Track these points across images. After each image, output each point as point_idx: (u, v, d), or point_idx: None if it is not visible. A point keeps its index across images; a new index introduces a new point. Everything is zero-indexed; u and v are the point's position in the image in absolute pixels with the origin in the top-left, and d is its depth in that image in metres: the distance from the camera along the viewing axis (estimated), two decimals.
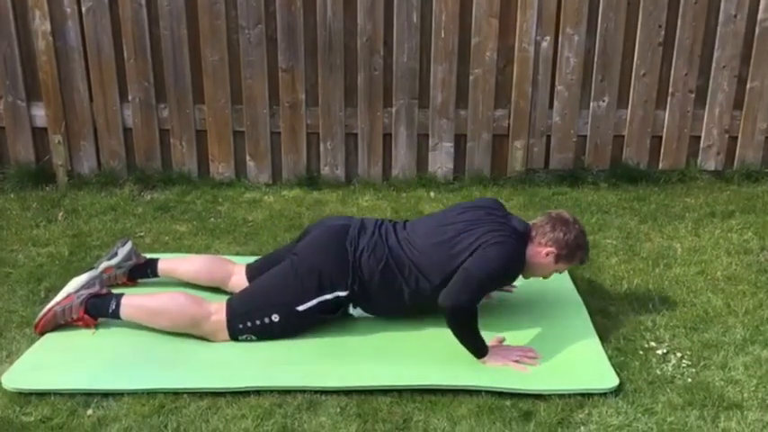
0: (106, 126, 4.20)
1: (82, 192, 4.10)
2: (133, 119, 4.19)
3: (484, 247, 2.53)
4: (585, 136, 4.30)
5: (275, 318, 2.57)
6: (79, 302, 2.63)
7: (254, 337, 2.60)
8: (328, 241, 2.67)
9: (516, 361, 2.51)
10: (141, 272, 2.92)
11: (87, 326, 2.64)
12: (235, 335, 2.58)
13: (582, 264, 2.79)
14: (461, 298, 2.47)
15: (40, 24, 4.02)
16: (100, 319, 2.66)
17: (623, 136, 4.31)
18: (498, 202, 2.83)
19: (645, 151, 4.33)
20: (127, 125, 4.21)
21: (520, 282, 2.81)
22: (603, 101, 4.24)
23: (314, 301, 2.59)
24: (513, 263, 2.61)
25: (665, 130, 4.30)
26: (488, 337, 2.59)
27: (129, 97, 4.16)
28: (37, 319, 2.65)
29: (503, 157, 4.33)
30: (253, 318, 2.58)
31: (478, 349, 2.52)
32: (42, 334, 2.64)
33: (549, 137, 4.29)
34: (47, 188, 4.15)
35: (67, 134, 4.19)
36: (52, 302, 2.66)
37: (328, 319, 2.65)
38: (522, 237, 2.64)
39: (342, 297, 2.62)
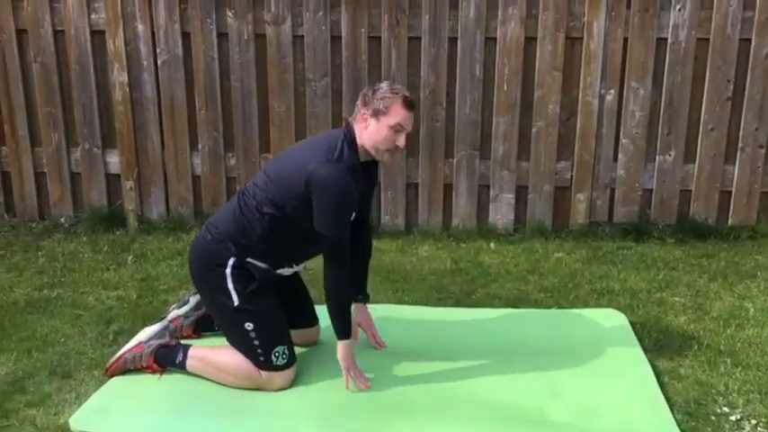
0: (176, 173, 4.34)
1: (150, 236, 4.23)
2: (202, 166, 4.33)
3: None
4: (651, 190, 4.22)
5: (248, 326, 2.58)
6: (149, 352, 2.70)
7: (278, 350, 2.59)
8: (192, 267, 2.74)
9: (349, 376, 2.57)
10: (207, 324, 2.96)
11: (154, 373, 2.70)
12: (267, 364, 2.59)
13: (407, 103, 2.57)
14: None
15: (118, 76, 4.22)
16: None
17: (690, 190, 4.21)
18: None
19: (713, 206, 4.22)
20: (195, 172, 4.35)
21: (579, 339, 2.72)
22: (670, 155, 4.17)
23: (229, 287, 2.57)
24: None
25: (734, 185, 4.19)
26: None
27: (199, 146, 4.31)
28: (108, 364, 2.73)
29: (565, 209, 4.29)
30: (247, 344, 2.58)
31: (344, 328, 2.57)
32: (112, 377, 2.71)
33: (613, 190, 4.24)
34: (117, 232, 4.30)
35: (139, 180, 4.35)
36: (124, 349, 2.75)
37: (266, 282, 2.61)
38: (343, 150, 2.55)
39: (236, 261, 2.59)
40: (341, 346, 2.60)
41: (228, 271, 2.58)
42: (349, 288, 2.64)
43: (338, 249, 2.53)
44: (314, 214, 2.50)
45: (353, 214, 2.57)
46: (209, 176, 4.34)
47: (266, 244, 2.59)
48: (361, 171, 2.61)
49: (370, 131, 2.56)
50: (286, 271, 2.74)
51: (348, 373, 2.60)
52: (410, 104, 2.58)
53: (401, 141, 2.57)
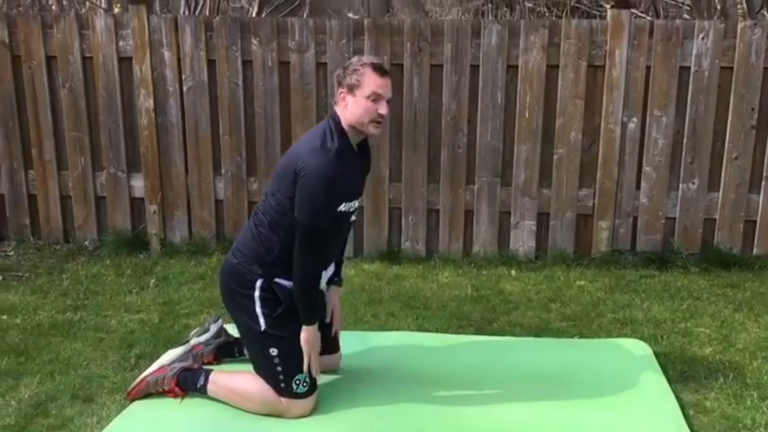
0: (199, 197, 4.39)
1: (173, 260, 4.26)
2: (224, 191, 4.37)
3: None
4: (674, 218, 4.19)
5: (273, 351, 2.57)
6: (172, 375, 2.71)
7: (299, 378, 2.57)
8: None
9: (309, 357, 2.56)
10: (228, 351, 2.96)
11: (176, 396, 2.71)
12: (288, 391, 2.58)
13: (377, 69, 2.52)
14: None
15: (144, 101, 4.29)
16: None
17: (714, 219, 4.17)
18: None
19: (738, 236, 4.17)
20: (218, 197, 4.39)
21: (603, 369, 2.68)
22: (693, 183, 4.14)
23: (257, 311, 2.57)
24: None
25: (759, 214, 4.14)
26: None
27: (222, 170, 4.35)
28: (130, 387, 2.74)
29: (587, 236, 4.26)
30: (269, 369, 2.58)
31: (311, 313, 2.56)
32: (133, 401, 2.72)
33: (635, 218, 4.21)
34: (140, 255, 4.34)
35: (162, 204, 4.40)
36: (146, 372, 2.76)
37: (288, 309, 2.57)
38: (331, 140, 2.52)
39: (264, 282, 2.58)
40: (305, 330, 2.56)
41: (257, 294, 2.59)
42: (319, 274, 2.59)
43: (311, 238, 2.49)
44: (295, 201, 2.49)
45: (346, 204, 2.54)
46: (232, 201, 4.37)
47: (289, 253, 2.56)
48: (357, 151, 2.61)
49: (351, 108, 2.52)
50: (321, 286, 2.71)
51: (308, 357, 2.57)
52: (380, 70, 2.53)
53: (383, 109, 2.51)
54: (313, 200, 2.46)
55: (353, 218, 2.68)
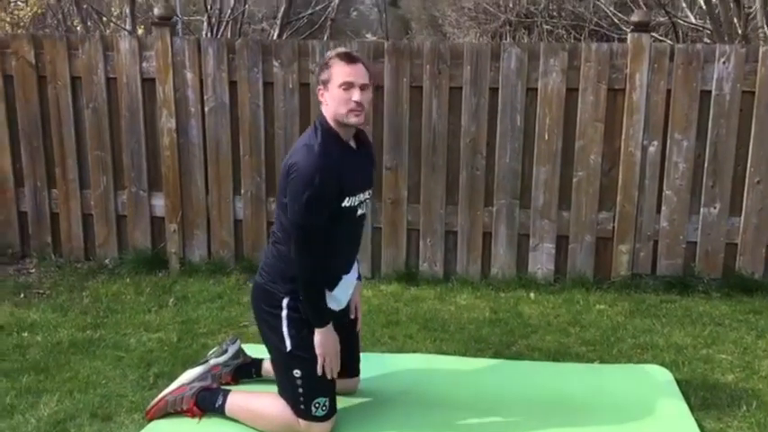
0: (219, 217, 4.42)
1: (192, 279, 4.28)
2: (244, 211, 4.40)
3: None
4: (696, 242, 4.15)
5: (296, 373, 2.55)
6: (191, 394, 2.72)
7: (319, 401, 2.56)
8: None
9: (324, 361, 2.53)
10: (246, 372, 2.97)
11: (194, 416, 2.71)
12: (306, 414, 2.56)
13: (343, 57, 2.50)
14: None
15: (167, 122, 4.34)
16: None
17: (736, 244, 4.13)
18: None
19: (760, 261, 4.12)
20: (238, 217, 4.41)
21: (623, 395, 2.64)
22: (714, 207, 4.11)
23: (284, 331, 2.56)
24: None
25: None
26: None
27: (242, 190, 4.38)
28: (149, 406, 2.75)
29: (606, 260, 4.23)
30: (291, 390, 2.57)
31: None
32: (151, 420, 2.72)
33: (656, 242, 4.17)
34: (160, 274, 4.37)
35: (182, 224, 4.43)
36: (165, 391, 2.77)
37: (308, 331, 2.55)
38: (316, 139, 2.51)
39: (290, 300, 2.57)
40: (317, 333, 2.53)
41: (284, 313, 2.58)
42: (321, 275, 2.55)
43: (303, 236, 2.47)
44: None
45: (349, 198, 2.52)
46: (251, 221, 4.40)
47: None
48: (355, 146, 2.61)
49: (329, 103, 2.51)
50: (342, 297, 2.68)
51: (322, 359, 2.54)
52: (347, 57, 2.50)
53: (356, 96, 2.46)
54: (299, 197, 2.44)
55: (360, 212, 2.63)
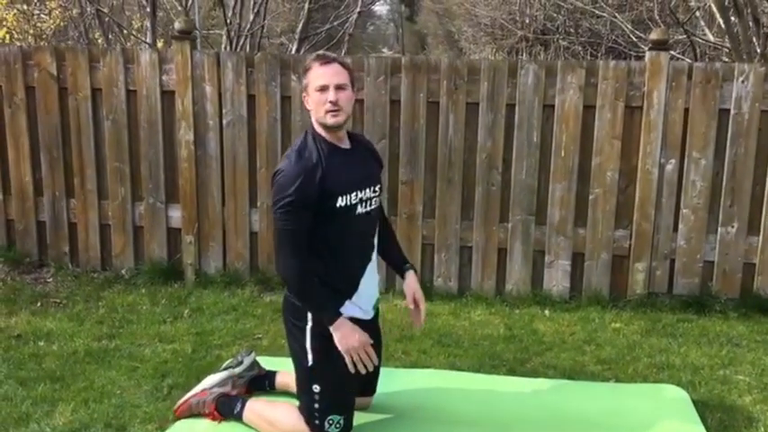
0: (234, 229, 4.44)
1: (207, 290, 4.30)
2: (260, 223, 4.42)
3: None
4: (713, 262, 4.12)
5: (316, 388, 2.54)
6: (211, 399, 2.79)
7: (333, 418, 2.54)
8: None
9: (353, 357, 2.48)
10: (260, 383, 2.98)
11: (214, 419, 2.78)
12: (320, 429, 2.55)
13: (318, 59, 2.53)
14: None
15: (185, 134, 4.38)
16: None
17: (754, 264, 4.09)
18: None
19: None
20: (253, 229, 4.43)
21: (639, 415, 2.61)
22: (732, 226, 4.08)
23: (307, 345, 2.55)
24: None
25: None
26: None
27: (258, 203, 4.40)
28: (177, 405, 2.85)
29: (622, 278, 4.20)
30: (308, 404, 2.56)
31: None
32: (178, 418, 2.82)
33: (672, 261, 4.14)
34: (175, 285, 4.40)
35: (198, 235, 4.46)
36: (190, 393, 2.86)
37: (332, 346, 2.52)
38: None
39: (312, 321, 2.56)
40: (333, 330, 2.48)
41: (309, 326, 2.57)
42: (309, 272, 2.52)
43: (285, 240, 2.47)
44: None
45: (346, 196, 2.50)
46: (267, 233, 4.42)
47: (325, 267, 2.55)
48: (349, 146, 2.60)
49: (311, 107, 2.53)
50: (364, 304, 2.66)
51: (348, 356, 2.49)
52: (322, 59, 2.53)
53: (332, 96, 2.46)
54: (278, 203, 2.46)
55: (361, 210, 2.58)
